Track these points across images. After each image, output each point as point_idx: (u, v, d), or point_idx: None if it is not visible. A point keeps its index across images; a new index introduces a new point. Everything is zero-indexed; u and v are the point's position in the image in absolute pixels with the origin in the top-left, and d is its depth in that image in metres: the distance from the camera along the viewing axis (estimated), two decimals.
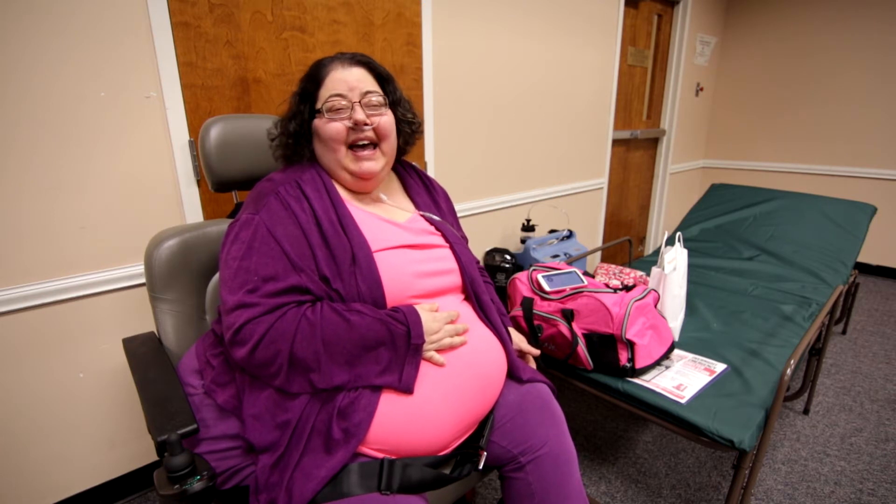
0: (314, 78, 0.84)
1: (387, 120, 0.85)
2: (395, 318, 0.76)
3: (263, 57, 1.39)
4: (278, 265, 0.74)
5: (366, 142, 0.84)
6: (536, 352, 1.04)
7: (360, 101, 0.82)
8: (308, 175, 0.84)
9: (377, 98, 0.84)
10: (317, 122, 0.84)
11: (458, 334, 0.82)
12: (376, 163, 0.85)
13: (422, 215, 0.94)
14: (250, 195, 0.84)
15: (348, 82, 0.82)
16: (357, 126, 0.82)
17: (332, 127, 0.82)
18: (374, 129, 0.84)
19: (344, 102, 0.81)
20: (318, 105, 0.83)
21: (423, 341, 0.76)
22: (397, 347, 0.75)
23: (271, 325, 0.70)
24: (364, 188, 0.88)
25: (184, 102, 1.26)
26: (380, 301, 0.77)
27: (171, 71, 1.22)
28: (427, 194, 1.01)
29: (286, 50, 1.43)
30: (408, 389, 0.75)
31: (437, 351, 0.79)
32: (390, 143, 0.87)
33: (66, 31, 1.07)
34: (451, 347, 0.81)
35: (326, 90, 0.82)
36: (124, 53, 1.16)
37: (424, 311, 0.80)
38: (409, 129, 0.94)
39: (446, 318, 0.82)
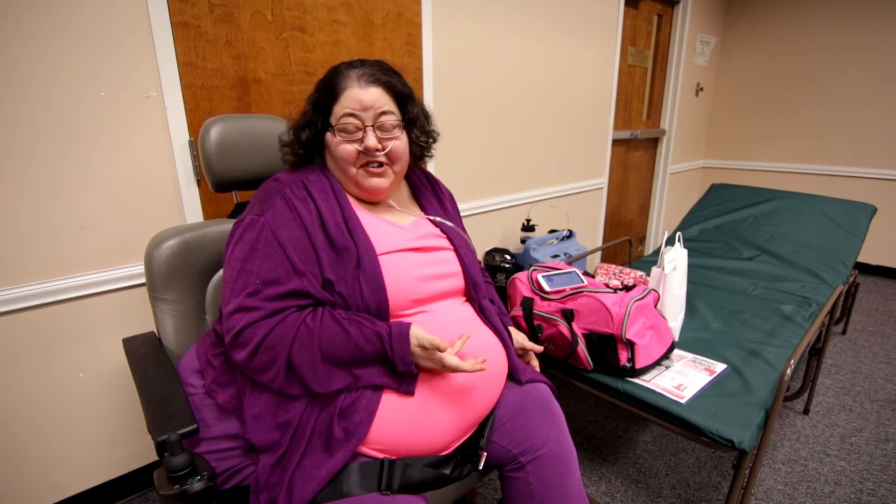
0: (331, 90, 0.82)
1: (399, 144, 0.84)
2: (387, 346, 0.74)
3: (263, 57, 1.39)
4: (280, 269, 0.73)
5: (376, 164, 0.83)
6: (539, 348, 1.04)
7: (373, 125, 0.81)
8: (315, 176, 0.83)
9: (392, 120, 0.82)
10: (329, 137, 0.83)
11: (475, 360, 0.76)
12: (385, 180, 0.84)
13: (428, 219, 0.94)
14: (256, 195, 0.83)
15: (363, 102, 0.80)
16: (368, 151, 0.81)
17: (343, 149, 0.81)
18: (386, 154, 0.83)
19: (357, 123, 0.80)
20: (332, 121, 0.82)
21: (410, 369, 0.75)
22: (393, 364, 0.75)
23: (271, 330, 0.70)
24: (371, 199, 0.88)
25: (184, 102, 1.26)
26: (383, 304, 0.77)
27: (171, 71, 1.22)
28: (434, 197, 1.01)
29: (286, 50, 1.43)
30: (408, 392, 0.76)
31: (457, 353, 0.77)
32: (402, 165, 0.87)
33: (66, 31, 1.07)
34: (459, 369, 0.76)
35: (341, 107, 0.81)
36: (124, 53, 1.16)
37: (421, 345, 0.74)
38: (419, 153, 0.93)
39: (440, 363, 0.75)
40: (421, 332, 0.75)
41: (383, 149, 0.82)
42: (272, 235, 0.75)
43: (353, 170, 0.83)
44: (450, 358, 0.74)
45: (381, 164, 0.84)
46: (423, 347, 0.74)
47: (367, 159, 0.82)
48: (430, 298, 0.84)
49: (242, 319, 0.70)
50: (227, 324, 0.72)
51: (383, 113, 0.81)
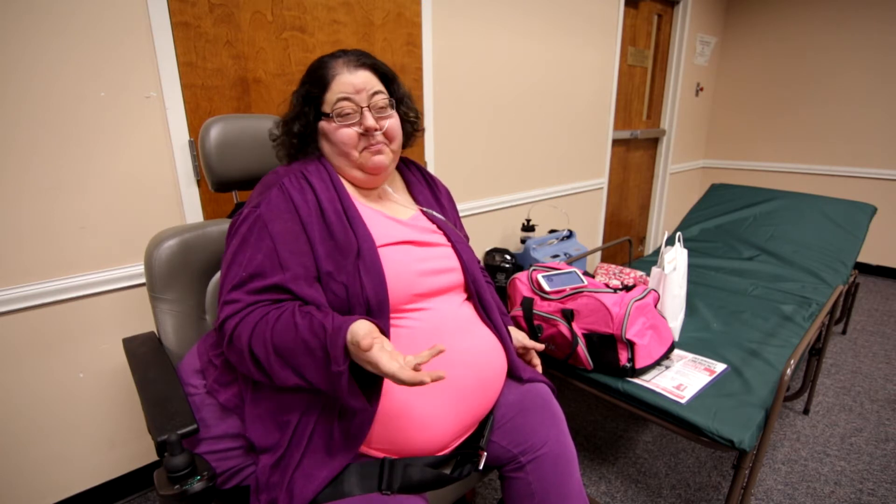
0: (319, 81, 0.84)
1: (394, 122, 0.86)
2: (329, 335, 0.65)
3: (263, 57, 1.39)
4: (266, 262, 0.74)
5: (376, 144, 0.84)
6: (540, 346, 1.04)
7: (368, 106, 0.82)
8: (313, 166, 0.84)
9: (383, 99, 0.84)
10: (325, 125, 0.84)
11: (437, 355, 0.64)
12: (385, 156, 0.86)
13: (424, 212, 0.94)
14: (256, 187, 0.84)
15: (355, 85, 0.82)
16: (368, 132, 0.82)
17: (344, 133, 0.82)
18: (384, 133, 0.84)
19: (352, 106, 0.82)
20: (326, 109, 0.83)
21: (341, 372, 0.64)
22: (325, 365, 0.66)
23: (240, 322, 0.71)
24: (373, 183, 0.89)
25: (184, 102, 1.26)
26: (383, 296, 0.77)
27: (171, 71, 1.22)
28: (430, 192, 1.01)
29: (286, 50, 1.43)
30: (362, 408, 0.69)
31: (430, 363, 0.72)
32: (398, 143, 0.89)
33: (66, 31, 1.07)
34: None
35: (333, 93, 0.82)
36: (124, 53, 1.16)
37: (351, 336, 0.64)
38: (410, 129, 0.95)
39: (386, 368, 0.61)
40: (359, 326, 0.64)
41: (381, 128, 0.83)
42: (264, 227, 0.75)
43: (356, 153, 0.84)
44: (386, 362, 0.60)
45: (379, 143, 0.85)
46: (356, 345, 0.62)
47: (367, 143, 0.83)
48: (430, 293, 0.84)
49: (224, 312, 0.72)
50: (218, 316, 0.74)
51: (375, 93, 0.83)
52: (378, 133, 0.83)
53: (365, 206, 0.86)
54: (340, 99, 0.81)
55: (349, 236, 0.78)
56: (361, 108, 0.82)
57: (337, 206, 0.81)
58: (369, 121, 0.81)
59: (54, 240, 1.14)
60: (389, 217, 0.87)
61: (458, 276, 0.90)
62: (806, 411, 1.79)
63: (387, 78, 0.87)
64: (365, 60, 0.85)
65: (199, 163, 1.27)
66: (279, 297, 0.74)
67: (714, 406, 1.06)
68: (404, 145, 0.97)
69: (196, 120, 1.29)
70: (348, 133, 0.82)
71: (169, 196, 1.29)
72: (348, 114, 0.82)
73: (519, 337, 1.03)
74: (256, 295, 0.73)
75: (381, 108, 0.84)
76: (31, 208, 1.10)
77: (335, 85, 0.82)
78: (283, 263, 0.74)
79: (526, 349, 1.04)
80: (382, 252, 0.79)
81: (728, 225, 2.29)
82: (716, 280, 1.87)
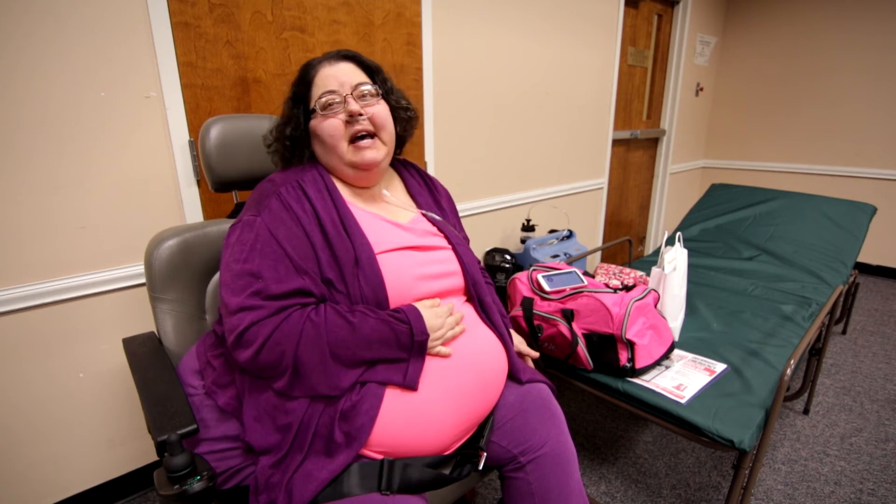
0: (304, 80, 0.85)
1: (381, 109, 0.85)
2: (396, 318, 0.76)
3: (263, 57, 1.39)
4: (281, 268, 0.73)
5: (364, 133, 0.83)
6: (535, 354, 1.04)
7: (351, 94, 0.82)
8: (309, 175, 0.83)
9: (369, 88, 0.84)
10: (313, 122, 0.84)
11: (456, 324, 0.83)
12: (377, 151, 0.85)
13: (424, 215, 0.94)
14: (251, 196, 0.83)
15: (338, 77, 0.82)
16: (353, 118, 0.82)
17: (328, 124, 0.82)
18: (370, 120, 0.83)
19: (337, 98, 0.82)
20: (312, 105, 0.83)
21: (427, 337, 0.76)
22: (402, 346, 0.75)
23: (276, 327, 0.70)
24: (367, 181, 0.88)
25: (184, 102, 1.26)
26: (383, 303, 0.77)
27: (171, 71, 1.22)
28: (429, 194, 1.01)
29: (286, 50, 1.43)
30: (412, 386, 0.75)
31: (443, 344, 0.80)
32: (388, 132, 0.87)
33: (67, 31, 1.08)
34: (453, 338, 0.82)
35: (318, 88, 0.83)
36: (124, 53, 1.16)
37: (425, 307, 0.79)
38: (406, 115, 0.93)
39: (447, 311, 0.82)
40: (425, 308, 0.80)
41: (365, 113, 0.83)
42: (270, 235, 0.75)
43: (344, 145, 0.83)
44: (450, 332, 0.81)
45: (369, 137, 0.84)
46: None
47: (353, 130, 0.82)
48: (429, 297, 0.84)
49: (246, 319, 0.70)
50: (230, 323, 0.72)
51: (359, 84, 0.83)
52: (363, 119, 0.82)
53: (362, 211, 0.85)
54: (325, 93, 0.82)
55: (346, 245, 0.77)
56: (345, 96, 0.82)
57: (333, 216, 0.80)
58: (353, 105, 0.81)
59: (54, 240, 1.14)
60: (388, 221, 0.87)
61: (458, 280, 0.89)
62: (806, 411, 1.79)
63: (370, 70, 0.87)
64: (346, 53, 0.86)
65: (199, 163, 1.27)
66: (304, 301, 0.74)
67: (714, 406, 1.06)
68: (404, 137, 0.96)
69: (196, 120, 1.29)
70: (333, 123, 0.81)
71: (169, 196, 1.29)
72: (332, 104, 0.81)
73: (515, 342, 1.03)
74: (280, 300, 0.72)
75: (365, 96, 0.84)
76: (31, 208, 1.10)
77: (318, 80, 0.83)
78: (298, 267, 0.74)
79: (521, 355, 1.04)
80: (381, 258, 0.79)
81: (728, 225, 2.29)
82: (716, 280, 1.87)
